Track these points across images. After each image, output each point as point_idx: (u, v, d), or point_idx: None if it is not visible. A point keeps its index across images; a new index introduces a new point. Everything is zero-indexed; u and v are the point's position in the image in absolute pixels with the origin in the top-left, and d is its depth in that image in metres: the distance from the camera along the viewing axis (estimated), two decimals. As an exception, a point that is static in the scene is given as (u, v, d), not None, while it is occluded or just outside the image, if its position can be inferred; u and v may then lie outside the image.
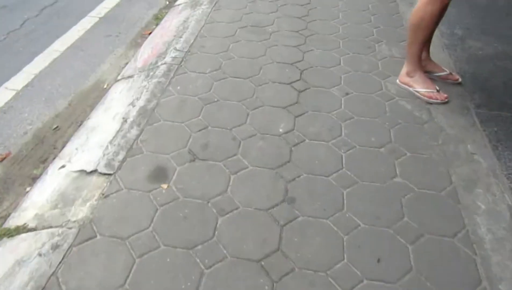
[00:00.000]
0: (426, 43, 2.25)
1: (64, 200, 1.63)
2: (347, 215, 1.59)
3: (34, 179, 1.90)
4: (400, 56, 2.61)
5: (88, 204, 1.59)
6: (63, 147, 2.03)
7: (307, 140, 1.92)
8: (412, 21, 2.11)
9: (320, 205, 1.62)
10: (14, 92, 2.45)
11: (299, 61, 2.49)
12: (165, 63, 2.41)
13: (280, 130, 1.97)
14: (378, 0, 3.30)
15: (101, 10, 3.40)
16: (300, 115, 2.07)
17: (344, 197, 1.66)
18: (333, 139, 1.94)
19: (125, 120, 2.00)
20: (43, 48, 2.87)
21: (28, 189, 1.85)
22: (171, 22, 2.98)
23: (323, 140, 1.93)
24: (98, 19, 3.28)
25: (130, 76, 2.44)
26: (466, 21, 3.12)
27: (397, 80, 2.34)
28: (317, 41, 2.70)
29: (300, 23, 2.90)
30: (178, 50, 2.52)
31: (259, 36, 2.72)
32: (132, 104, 2.12)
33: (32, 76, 2.59)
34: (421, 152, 1.91)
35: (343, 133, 1.98)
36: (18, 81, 2.54)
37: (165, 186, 1.66)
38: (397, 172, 1.79)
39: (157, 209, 1.57)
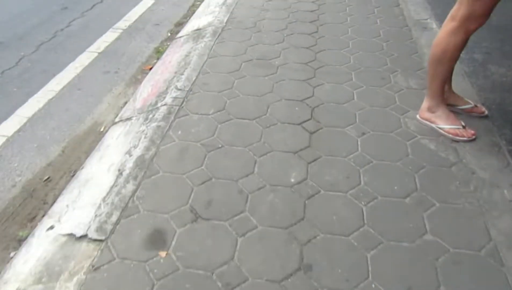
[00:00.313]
0: (448, 75, 2.05)
1: (49, 273, 1.44)
2: (373, 286, 1.37)
3: (20, 242, 1.71)
4: (418, 87, 2.42)
5: (75, 279, 1.39)
6: (53, 202, 1.85)
7: (322, 191, 1.72)
8: (434, 54, 1.92)
9: (341, 273, 1.41)
10: (4, 139, 2.29)
11: (309, 97, 2.30)
12: (165, 104, 2.24)
13: (292, 180, 1.77)
14: (389, 26, 3.14)
15: (100, 45, 3.27)
16: (313, 161, 1.87)
17: (369, 262, 1.45)
18: (351, 189, 1.73)
19: (120, 173, 1.82)
20: (38, 88, 2.72)
21: (12, 254, 1.66)
22: (172, 57, 2.83)
23: (340, 190, 1.73)
24: (97, 54, 3.14)
25: (128, 119, 2.28)
26: (484, 44, 2.93)
27: (417, 116, 2.14)
28: (327, 73, 2.52)
29: (308, 54, 2.73)
30: (179, 89, 2.35)
31: (266, 70, 2.55)
32: (129, 153, 1.94)
33: (25, 120, 2.43)
34: (452, 201, 1.69)
35: (362, 182, 1.77)
36: (10, 126, 2.39)
37: (163, 253, 1.46)
38: (427, 228, 1.57)
39: (153, 285, 1.36)
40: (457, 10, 1.78)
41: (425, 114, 2.10)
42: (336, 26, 3.12)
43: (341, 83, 2.44)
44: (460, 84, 2.43)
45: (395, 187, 1.75)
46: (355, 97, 2.32)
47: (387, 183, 1.77)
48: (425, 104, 2.10)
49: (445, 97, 2.12)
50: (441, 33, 1.87)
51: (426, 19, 3.26)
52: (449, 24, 1.83)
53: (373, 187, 1.74)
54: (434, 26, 3.16)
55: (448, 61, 1.90)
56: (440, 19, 3.32)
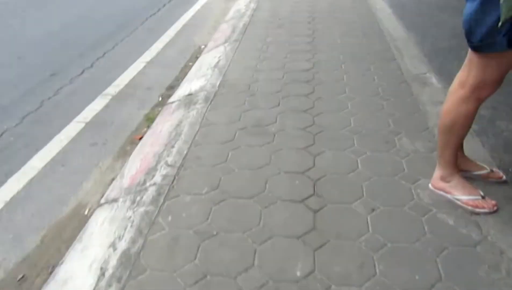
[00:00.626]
0: (461, 143, 1.89)
1: None
2: None
3: None
4: (425, 150, 2.26)
5: None
6: (26, 309, 1.62)
7: (333, 287, 1.50)
8: (444, 123, 1.77)
9: None
10: (-22, 229, 2.08)
11: (310, 168, 2.12)
12: (154, 184, 2.06)
13: (298, 274, 1.55)
14: (387, 82, 3.03)
15: (88, 114, 3.13)
16: (320, 247, 1.66)
17: None
18: (366, 282, 1.51)
19: (102, 273, 1.59)
20: (19, 166, 2.54)
21: None
22: (163, 126, 2.68)
23: (354, 284, 1.50)
24: (84, 124, 2.99)
25: (115, 200, 2.08)
26: (489, 98, 2.80)
27: (430, 185, 1.96)
28: (327, 139, 2.37)
29: (306, 118, 2.59)
30: (170, 166, 2.18)
31: (262, 138, 2.39)
32: (113, 246, 1.72)
33: (2, 205, 2.23)
34: (483, 292, 1.47)
35: (377, 271, 1.55)
36: (-15, 213, 2.19)
37: None
38: (460, 331, 1.34)
39: None
40: (466, 77, 1.65)
41: (439, 183, 1.92)
42: (333, 85, 3.01)
43: (343, 149, 2.28)
44: (469, 144, 2.26)
45: (416, 277, 1.53)
46: (360, 165, 2.14)
47: (407, 271, 1.55)
48: (437, 173, 1.92)
49: (458, 163, 1.95)
50: (450, 101, 1.73)
51: (425, 73, 3.17)
52: (458, 91, 1.69)
53: (391, 278, 1.52)
54: (434, 80, 3.06)
55: (460, 130, 1.75)
56: (439, 73, 3.24)
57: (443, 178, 1.90)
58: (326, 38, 3.96)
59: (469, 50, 1.66)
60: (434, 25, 4.27)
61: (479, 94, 1.65)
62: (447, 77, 3.11)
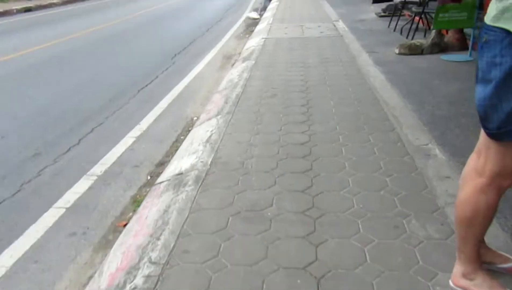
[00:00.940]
0: (484, 234, 1.67)
1: None
2: None
3: None
4: (439, 235, 2.03)
5: None
6: None
7: None
8: (461, 215, 1.56)
9: None
10: None
11: (312, 263, 1.88)
12: (135, 288, 1.79)
13: None
14: (389, 155, 2.86)
15: (70, 197, 2.90)
16: None
17: None
18: None
19: None
20: (-13, 264, 2.27)
21: None
22: (150, 211, 2.46)
23: None
24: (64, 210, 2.75)
25: (89, 307, 1.81)
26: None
27: (450, 282, 1.71)
28: (329, 225, 2.14)
29: (304, 199, 2.38)
30: (154, 263, 1.93)
31: (257, 226, 2.16)
32: None
33: (-41, 316, 1.95)
34: None
35: None
36: None
37: None
38: None
39: None
40: (483, 164, 1.47)
41: (460, 281, 1.67)
42: (331, 160, 2.84)
43: (347, 237, 2.04)
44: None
45: None
46: (368, 257, 1.90)
47: None
48: (458, 268, 1.68)
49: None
50: (467, 190, 1.53)
51: (427, 144, 3.01)
52: (476, 180, 1.49)
53: None
54: (437, 152, 2.90)
55: (481, 223, 1.54)
56: (442, 143, 3.08)
57: (465, 275, 1.66)
58: (321, 108, 3.87)
59: (483, 133, 1.50)
60: (429, 92, 4.21)
61: (501, 183, 1.45)
62: (450, 148, 2.97)
